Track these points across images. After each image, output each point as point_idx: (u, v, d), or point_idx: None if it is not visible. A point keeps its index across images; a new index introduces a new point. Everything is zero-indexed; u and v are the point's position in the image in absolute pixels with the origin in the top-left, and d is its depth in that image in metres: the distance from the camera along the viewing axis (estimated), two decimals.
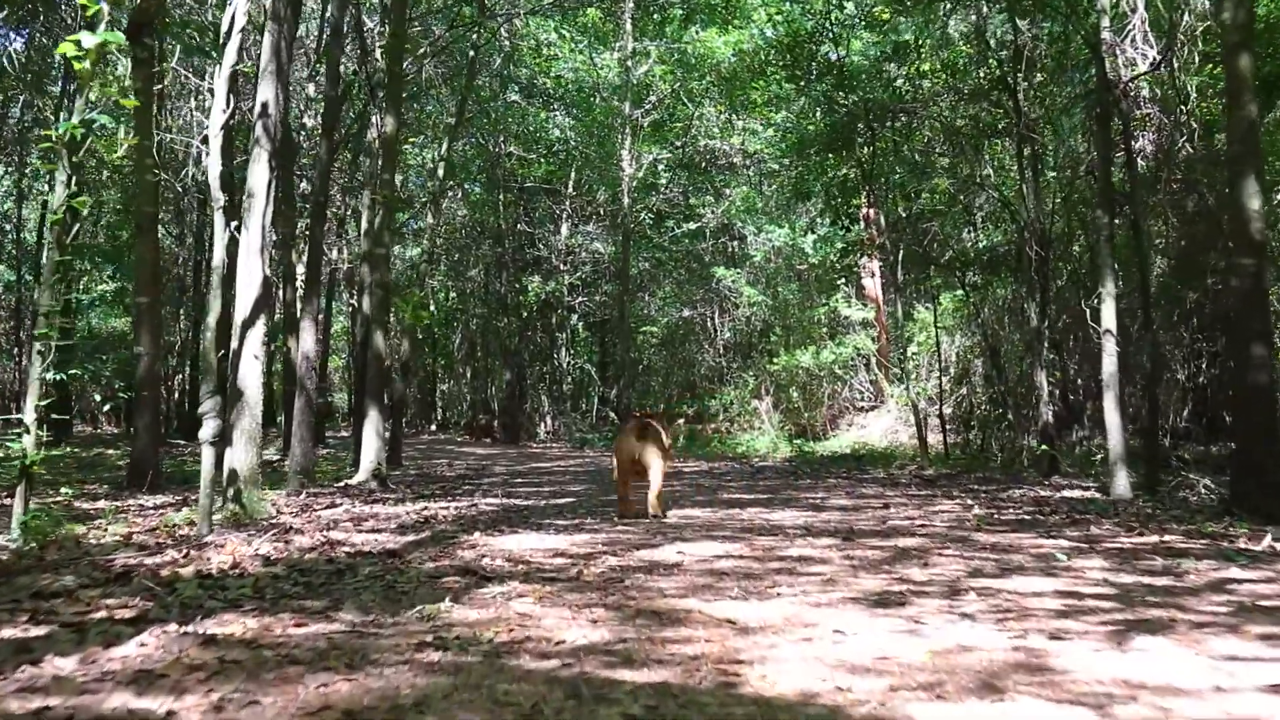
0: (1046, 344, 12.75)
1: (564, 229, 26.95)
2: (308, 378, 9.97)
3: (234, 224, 6.05)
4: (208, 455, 5.86)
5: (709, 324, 26.69)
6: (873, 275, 20.80)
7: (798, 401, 20.77)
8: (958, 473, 12.68)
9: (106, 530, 6.00)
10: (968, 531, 6.08)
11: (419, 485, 10.81)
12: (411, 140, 25.21)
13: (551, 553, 4.88)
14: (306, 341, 10.07)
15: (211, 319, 5.89)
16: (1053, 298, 13.18)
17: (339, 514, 7.27)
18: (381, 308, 10.90)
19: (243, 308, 6.81)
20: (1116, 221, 10.41)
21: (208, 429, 5.87)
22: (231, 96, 5.80)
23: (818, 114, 16.55)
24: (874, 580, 4.12)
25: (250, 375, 6.80)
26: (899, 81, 14.89)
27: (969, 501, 8.75)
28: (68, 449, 17.93)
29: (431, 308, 35.51)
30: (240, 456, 6.75)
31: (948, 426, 15.79)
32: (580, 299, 28.30)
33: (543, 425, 27.99)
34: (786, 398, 21.06)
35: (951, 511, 7.72)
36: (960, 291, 17.81)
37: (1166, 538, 5.74)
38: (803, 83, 16.58)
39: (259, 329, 6.83)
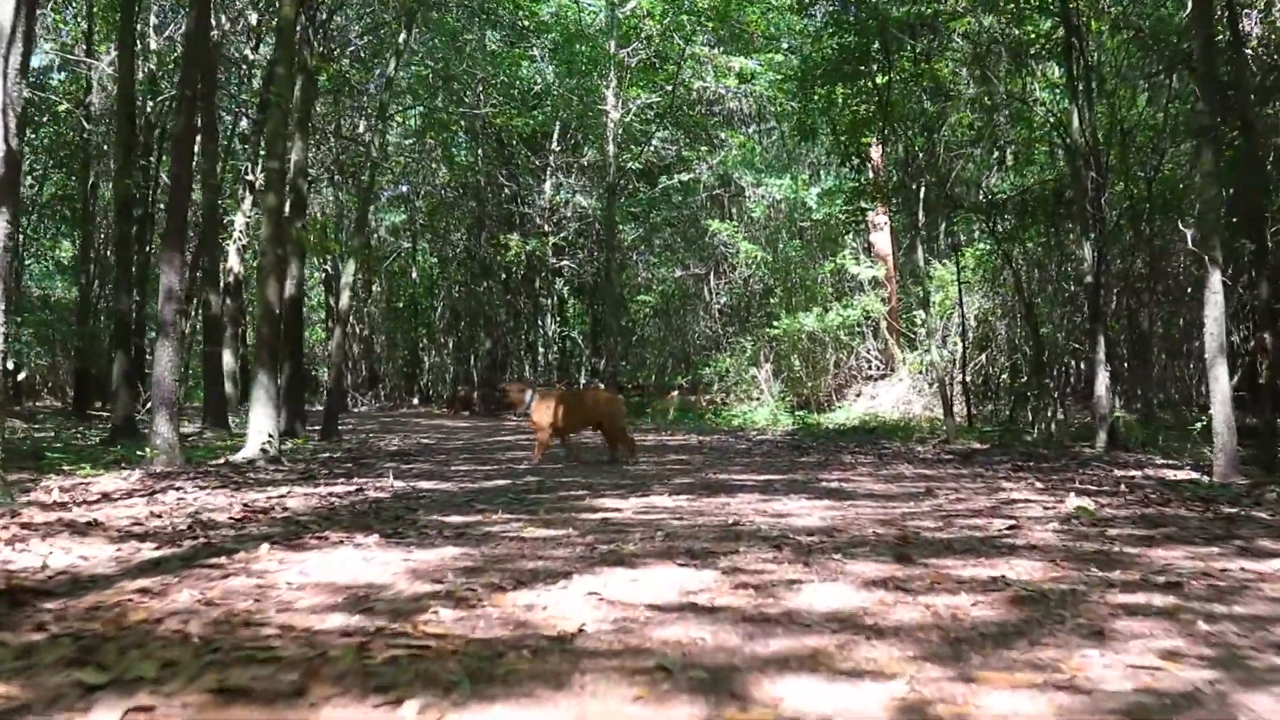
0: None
1: (547, 185, 24.49)
2: (172, 324, 7.65)
3: None
4: None
5: (704, 287, 24.26)
6: (882, 230, 18.37)
7: (800, 370, 18.41)
8: (990, 447, 10.51)
9: None
10: (1093, 540, 3.72)
11: (324, 464, 8.52)
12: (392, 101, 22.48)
13: (348, 598, 2.51)
14: (170, 279, 7.75)
15: None
16: (1107, 237, 10.82)
17: (135, 507, 4.97)
18: (274, 240, 8.54)
19: None
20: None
21: None
22: None
23: (825, 38, 13.98)
24: (1014, 696, 1.76)
25: None
26: None
27: (1039, 484, 6.45)
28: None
29: (414, 275, 33.29)
30: None
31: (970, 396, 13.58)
32: (565, 262, 25.90)
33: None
34: (788, 365, 18.70)
35: (1028, 500, 5.40)
36: (983, 245, 15.51)
37: None
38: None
39: None
